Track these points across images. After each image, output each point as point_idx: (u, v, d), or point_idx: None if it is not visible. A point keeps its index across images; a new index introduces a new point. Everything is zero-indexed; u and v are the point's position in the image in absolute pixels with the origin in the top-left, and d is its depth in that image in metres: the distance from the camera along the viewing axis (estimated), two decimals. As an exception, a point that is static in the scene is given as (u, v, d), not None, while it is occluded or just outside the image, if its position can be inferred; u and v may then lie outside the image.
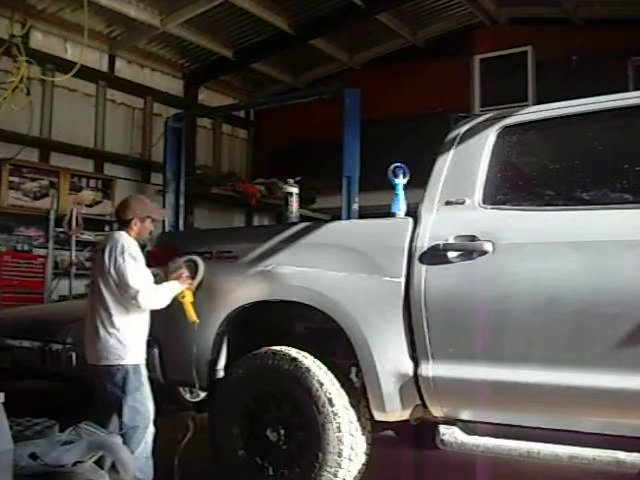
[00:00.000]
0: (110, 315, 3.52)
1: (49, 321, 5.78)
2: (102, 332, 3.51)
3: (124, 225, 3.71)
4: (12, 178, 9.41)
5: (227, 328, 3.68)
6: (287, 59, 11.95)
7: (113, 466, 3.11)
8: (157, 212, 3.93)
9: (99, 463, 3.06)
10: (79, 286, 9.63)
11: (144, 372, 3.59)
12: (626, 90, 3.47)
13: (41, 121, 9.83)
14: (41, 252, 9.65)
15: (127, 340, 3.52)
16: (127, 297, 3.50)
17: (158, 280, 3.75)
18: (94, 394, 3.64)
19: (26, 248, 9.53)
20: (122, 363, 3.49)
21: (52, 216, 9.57)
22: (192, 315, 3.65)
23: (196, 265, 3.80)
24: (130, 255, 3.52)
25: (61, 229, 9.63)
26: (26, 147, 9.07)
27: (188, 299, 3.69)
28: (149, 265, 3.78)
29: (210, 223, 10.49)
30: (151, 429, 3.53)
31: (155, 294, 3.57)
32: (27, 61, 8.27)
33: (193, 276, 3.75)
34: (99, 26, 10.25)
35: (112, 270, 3.51)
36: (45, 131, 9.95)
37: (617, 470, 2.95)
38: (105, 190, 10.67)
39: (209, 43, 11.19)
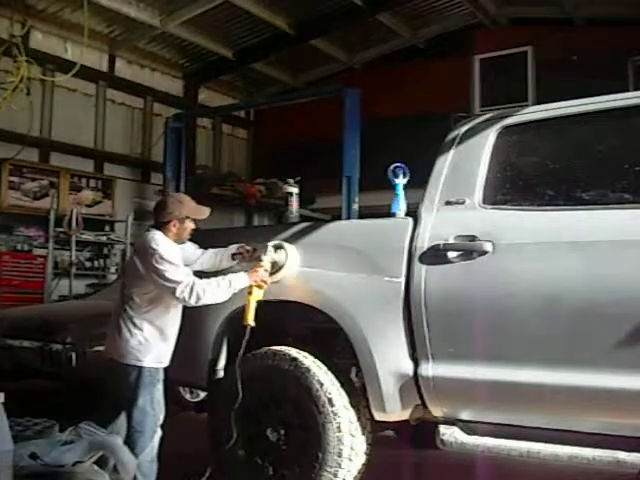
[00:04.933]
0: (134, 316, 3.46)
1: (49, 321, 5.78)
2: (124, 331, 3.46)
3: (162, 226, 3.55)
4: (12, 178, 9.43)
5: (227, 328, 3.68)
6: (287, 59, 11.96)
7: (113, 466, 3.11)
8: (197, 211, 3.65)
9: (99, 463, 3.06)
10: (79, 286, 9.64)
11: (160, 376, 3.53)
12: (626, 90, 3.46)
13: (41, 121, 9.84)
14: (41, 252, 9.65)
15: (148, 342, 3.46)
16: (170, 297, 3.39)
17: (240, 259, 3.59)
18: (105, 391, 3.62)
19: (26, 248, 9.55)
20: (138, 364, 3.44)
21: (52, 216, 9.57)
22: (248, 316, 3.36)
23: (285, 257, 3.46)
24: (160, 257, 3.36)
25: (61, 229, 9.63)
26: (26, 147, 9.08)
27: (253, 297, 3.38)
28: (235, 242, 3.63)
29: (210, 223, 10.49)
30: (158, 433, 3.52)
31: (204, 288, 3.34)
32: (27, 61, 8.28)
33: (280, 267, 3.44)
34: (99, 26, 10.27)
35: (146, 275, 3.41)
36: (45, 131, 9.96)
37: (617, 470, 2.96)
38: (105, 190, 10.68)
39: (209, 43, 11.20)
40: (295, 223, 3.97)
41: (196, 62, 11.94)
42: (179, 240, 3.57)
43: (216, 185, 11.21)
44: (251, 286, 3.41)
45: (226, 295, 3.39)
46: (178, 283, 3.33)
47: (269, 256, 3.45)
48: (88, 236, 10.05)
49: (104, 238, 10.42)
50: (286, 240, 3.57)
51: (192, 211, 3.61)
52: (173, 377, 3.91)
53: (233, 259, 3.65)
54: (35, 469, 2.86)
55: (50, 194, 9.79)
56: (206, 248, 3.76)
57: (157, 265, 3.36)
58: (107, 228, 10.73)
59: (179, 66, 11.98)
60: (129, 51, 11.09)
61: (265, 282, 3.43)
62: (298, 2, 10.39)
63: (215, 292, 3.37)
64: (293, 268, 3.46)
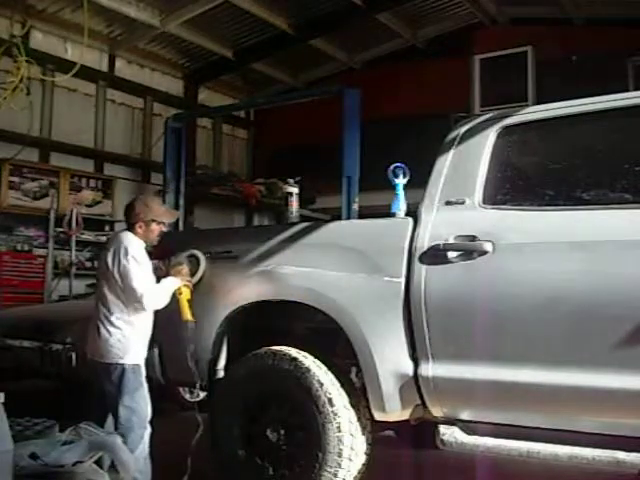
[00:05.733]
0: (112, 314, 3.53)
1: (49, 321, 5.78)
2: (103, 331, 3.52)
3: (130, 227, 3.66)
4: (12, 178, 9.41)
5: (227, 328, 3.68)
6: (287, 59, 11.94)
7: (113, 466, 3.11)
8: (163, 215, 3.78)
9: (99, 463, 3.06)
10: (79, 286, 9.63)
11: (143, 372, 3.59)
12: (626, 90, 3.47)
13: (41, 121, 9.83)
14: (41, 252, 9.64)
15: (128, 340, 3.52)
16: (131, 299, 3.49)
17: (158, 273, 3.73)
18: (92, 391, 3.64)
19: (26, 248, 9.53)
20: (121, 362, 3.49)
21: (52, 216, 9.56)
22: (186, 313, 3.62)
23: (198, 261, 3.76)
24: (133, 258, 3.48)
25: (61, 229, 9.63)
26: (26, 147, 9.07)
27: (184, 296, 3.65)
28: (150, 259, 3.76)
29: (210, 223, 10.50)
30: (148, 429, 3.54)
31: (157, 294, 3.55)
32: (27, 61, 8.27)
33: (194, 272, 3.72)
34: (99, 26, 10.25)
35: (115, 273, 3.50)
36: (45, 131, 9.95)
37: (617, 470, 2.95)
38: (105, 190, 10.67)
39: (209, 43, 11.19)
40: (295, 223, 3.97)
41: (196, 62, 11.93)
42: (148, 241, 3.69)
43: (216, 185, 11.22)
44: (180, 287, 3.66)
45: (168, 299, 3.59)
46: (143, 289, 3.46)
47: (185, 261, 3.74)
48: (88, 236, 10.05)
49: (104, 238, 10.39)
50: (286, 240, 3.58)
51: (158, 214, 3.71)
52: (173, 377, 3.92)
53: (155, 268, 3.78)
54: (35, 469, 2.86)
55: (50, 194, 9.77)
56: (207, 248, 3.77)
57: (127, 265, 3.47)
58: (107, 228, 10.71)
59: (179, 66, 11.97)
60: (129, 51, 11.07)
61: (190, 282, 3.69)
62: (298, 2, 10.38)
63: (162, 298, 3.57)
64: (206, 270, 3.74)
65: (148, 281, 3.54)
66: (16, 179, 9.47)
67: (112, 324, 3.52)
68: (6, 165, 9.25)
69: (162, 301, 3.57)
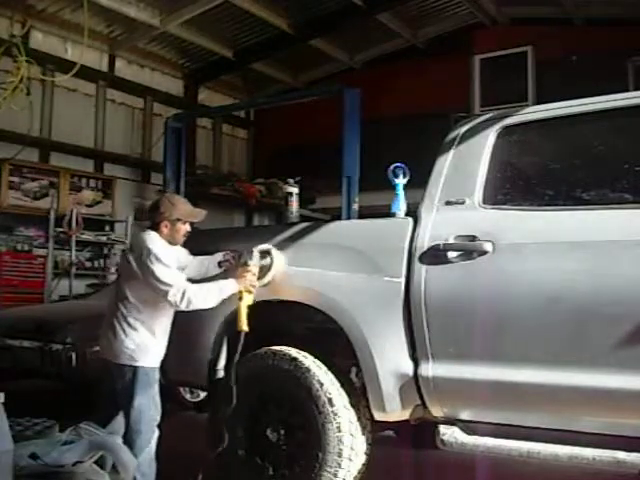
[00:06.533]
0: (129, 316, 3.47)
1: (49, 321, 5.78)
2: (119, 331, 3.46)
3: (155, 227, 3.55)
4: (12, 178, 9.43)
5: (227, 328, 3.68)
6: (287, 59, 11.96)
7: (113, 466, 3.11)
8: (189, 214, 3.62)
9: (99, 463, 3.06)
10: (79, 286, 9.64)
11: (156, 376, 3.53)
12: (626, 90, 3.46)
13: (41, 121, 9.84)
14: (41, 252, 9.66)
15: (143, 342, 3.46)
16: (162, 299, 3.39)
17: (227, 267, 3.62)
18: (101, 391, 3.62)
19: (26, 248, 9.55)
20: (134, 364, 3.44)
21: (52, 216, 9.58)
22: (241, 322, 3.38)
23: (270, 259, 3.48)
24: (155, 257, 3.37)
25: (61, 229, 9.64)
26: (26, 147, 9.09)
27: (244, 302, 3.40)
28: (219, 250, 3.66)
29: (210, 223, 10.51)
30: (156, 432, 3.52)
31: (195, 293, 3.35)
32: (27, 61, 8.28)
33: (266, 271, 3.45)
34: (99, 26, 10.27)
35: (139, 273, 3.41)
36: (45, 131, 9.97)
37: (617, 470, 2.95)
38: (105, 190, 10.68)
39: (209, 43, 11.20)
40: (295, 223, 3.96)
41: (196, 62, 11.94)
42: (173, 241, 3.58)
43: (216, 185, 11.23)
44: (241, 292, 3.42)
45: (216, 301, 3.40)
46: (170, 286, 3.34)
47: (255, 260, 3.46)
48: (88, 236, 10.06)
49: (104, 238, 10.42)
50: (286, 240, 3.57)
51: (184, 214, 3.60)
52: (173, 377, 3.92)
53: (220, 267, 3.67)
54: (35, 469, 2.86)
55: (50, 194, 9.79)
56: (206, 248, 3.76)
57: (151, 265, 3.37)
58: (107, 228, 10.73)
59: (179, 66, 11.98)
60: (129, 51, 11.09)
61: (254, 286, 3.44)
62: (298, 2, 10.40)
63: (206, 298, 3.39)
64: (280, 270, 3.47)
65: (174, 279, 3.38)
66: (16, 179, 9.48)
67: (130, 326, 3.46)
68: (6, 165, 9.26)
69: (205, 302, 3.37)
